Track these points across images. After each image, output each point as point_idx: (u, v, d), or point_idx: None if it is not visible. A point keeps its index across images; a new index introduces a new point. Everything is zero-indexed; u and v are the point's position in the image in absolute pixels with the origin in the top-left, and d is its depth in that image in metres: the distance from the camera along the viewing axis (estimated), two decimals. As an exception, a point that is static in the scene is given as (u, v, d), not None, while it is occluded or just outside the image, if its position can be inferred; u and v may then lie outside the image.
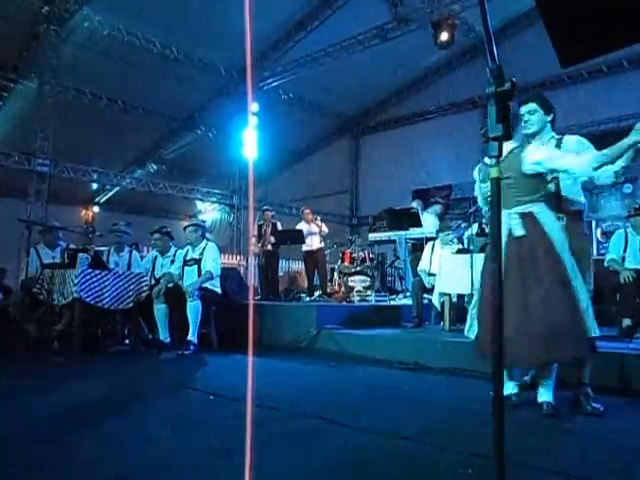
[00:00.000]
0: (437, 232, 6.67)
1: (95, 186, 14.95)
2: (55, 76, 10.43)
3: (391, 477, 1.87)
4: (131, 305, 5.40)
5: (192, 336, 5.22)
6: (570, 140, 3.11)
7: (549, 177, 2.92)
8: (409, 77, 14.65)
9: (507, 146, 2.83)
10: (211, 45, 11.70)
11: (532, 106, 3.09)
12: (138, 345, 5.62)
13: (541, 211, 2.84)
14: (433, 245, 6.41)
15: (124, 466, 1.93)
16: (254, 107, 11.98)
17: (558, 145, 3.08)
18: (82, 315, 5.08)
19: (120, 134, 13.54)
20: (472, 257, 4.94)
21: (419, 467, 1.97)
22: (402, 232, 7.38)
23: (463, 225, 7.46)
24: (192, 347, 5.16)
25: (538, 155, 2.80)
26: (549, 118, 3.13)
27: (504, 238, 2.74)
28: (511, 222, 2.83)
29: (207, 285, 5.46)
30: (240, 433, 2.19)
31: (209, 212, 17.52)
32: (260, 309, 6.07)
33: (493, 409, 1.22)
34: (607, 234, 9.79)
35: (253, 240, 9.03)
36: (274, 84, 13.22)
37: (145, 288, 5.53)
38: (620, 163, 2.78)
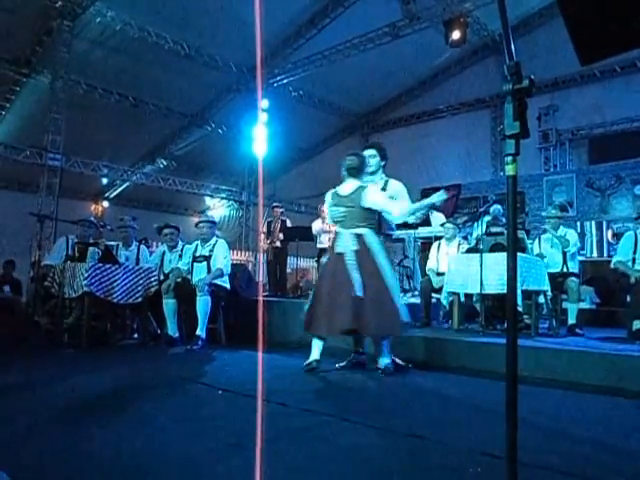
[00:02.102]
0: (441, 225, 6.66)
1: (105, 181, 15.01)
2: (67, 71, 10.49)
3: (400, 475, 1.87)
4: (140, 300, 5.43)
5: (201, 331, 5.24)
6: (395, 184, 4.19)
7: (377, 212, 3.99)
8: (420, 75, 14.60)
9: (353, 184, 3.95)
10: (222, 42, 11.72)
11: (372, 152, 4.21)
12: (147, 340, 5.65)
13: (369, 233, 3.90)
14: (439, 244, 6.37)
15: (134, 460, 1.94)
16: (264, 104, 11.99)
17: (384, 186, 4.14)
18: (91, 309, 5.13)
19: (130, 129, 13.61)
20: (481, 256, 4.91)
21: (428, 465, 1.96)
22: (411, 231, 7.31)
23: (468, 224, 7.41)
24: (200, 342, 5.18)
25: (376, 197, 3.91)
26: (383, 163, 4.27)
27: (337, 250, 3.90)
28: (349, 239, 3.87)
29: (216, 281, 5.47)
30: (249, 428, 2.20)
31: (218, 208, 17.56)
32: (268, 305, 6.08)
33: (507, 411, 1.21)
34: (617, 235, 9.73)
35: (262, 237, 9.05)
36: (284, 81, 13.22)
37: (154, 283, 5.56)
38: (419, 215, 4.12)
